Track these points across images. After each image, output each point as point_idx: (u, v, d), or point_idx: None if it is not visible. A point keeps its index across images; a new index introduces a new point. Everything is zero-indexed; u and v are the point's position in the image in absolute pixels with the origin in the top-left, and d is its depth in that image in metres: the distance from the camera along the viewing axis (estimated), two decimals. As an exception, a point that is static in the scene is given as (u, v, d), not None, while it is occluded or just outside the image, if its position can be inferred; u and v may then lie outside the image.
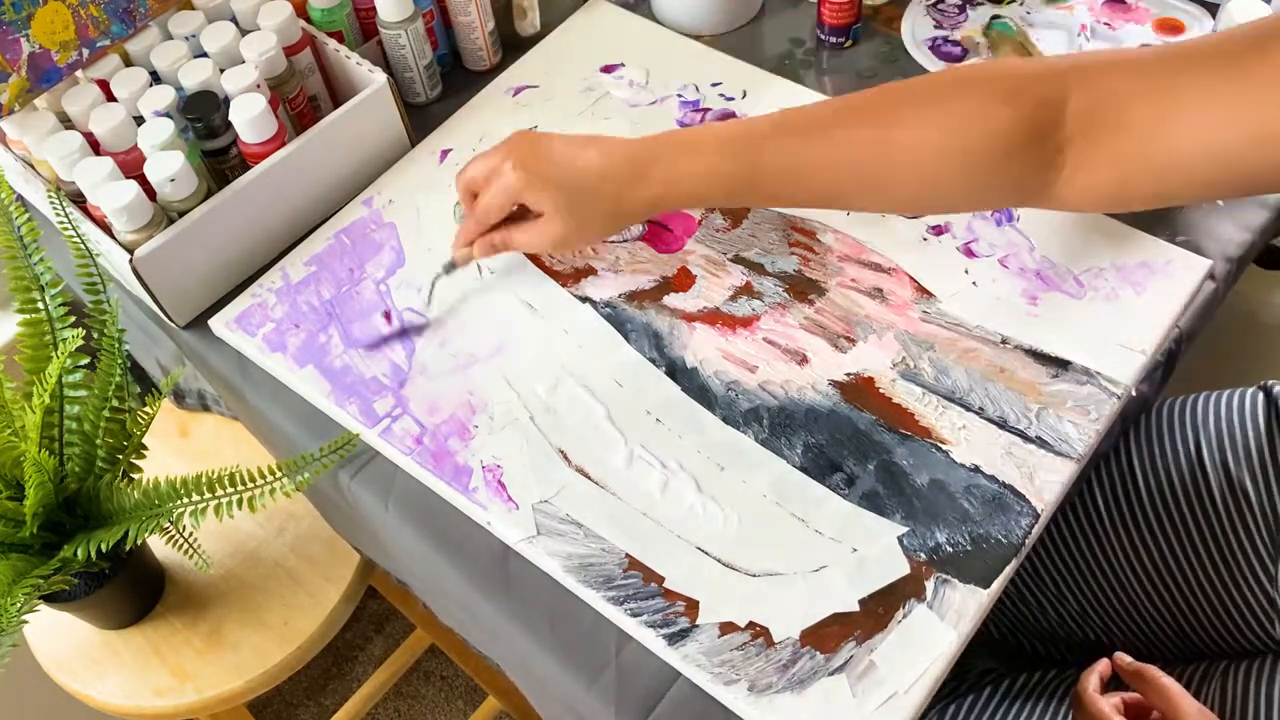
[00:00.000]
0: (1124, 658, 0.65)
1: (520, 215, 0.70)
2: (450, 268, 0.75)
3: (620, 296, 0.75)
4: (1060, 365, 0.68)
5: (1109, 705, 0.63)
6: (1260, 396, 0.73)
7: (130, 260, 0.73)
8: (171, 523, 0.69)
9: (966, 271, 0.73)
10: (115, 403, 0.72)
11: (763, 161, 0.63)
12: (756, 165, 0.63)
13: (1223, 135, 0.54)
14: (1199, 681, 0.70)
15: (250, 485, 0.66)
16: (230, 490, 0.66)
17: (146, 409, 0.74)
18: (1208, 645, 0.73)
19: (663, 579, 0.62)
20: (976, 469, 0.64)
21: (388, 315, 0.76)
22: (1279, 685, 0.66)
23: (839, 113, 0.63)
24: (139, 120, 0.77)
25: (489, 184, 0.68)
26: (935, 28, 0.89)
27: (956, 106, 0.59)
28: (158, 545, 0.86)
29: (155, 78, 0.81)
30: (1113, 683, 0.66)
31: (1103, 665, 0.65)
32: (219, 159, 0.78)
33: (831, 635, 0.59)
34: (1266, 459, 0.69)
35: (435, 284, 0.76)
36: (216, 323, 0.78)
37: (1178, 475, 0.72)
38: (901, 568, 0.61)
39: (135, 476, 0.74)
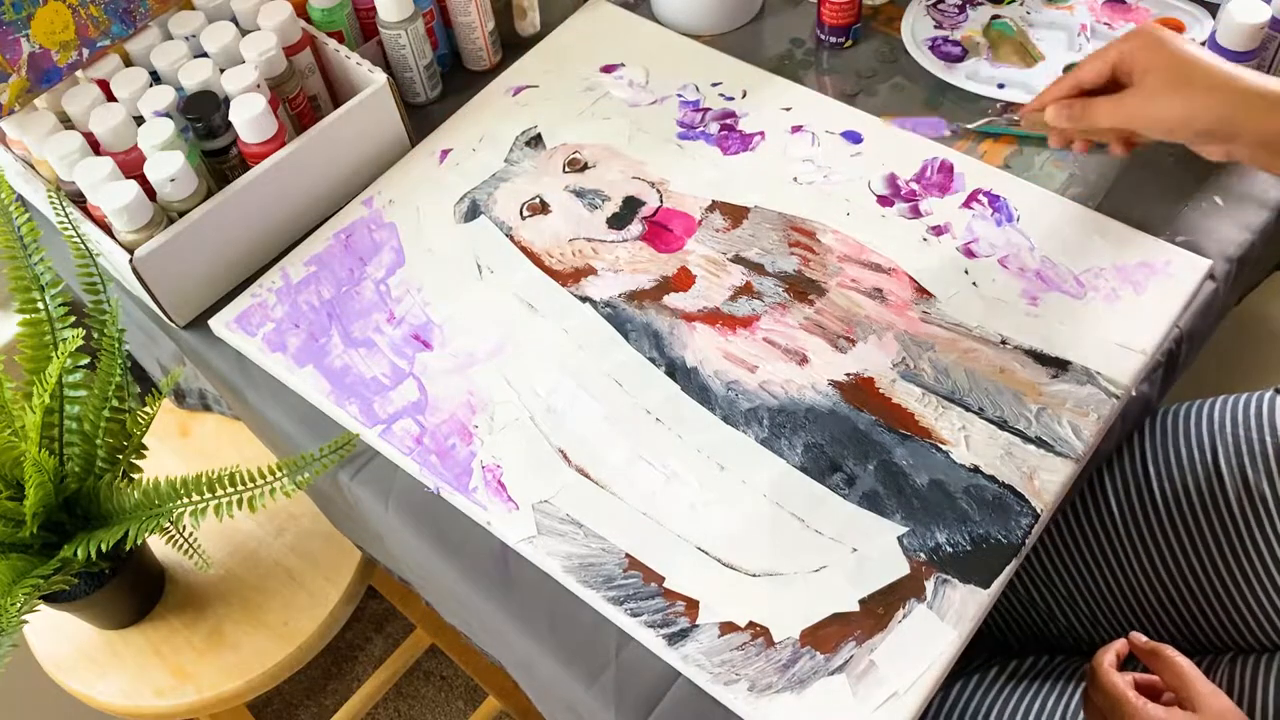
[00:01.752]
0: (1139, 637, 0.65)
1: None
2: (1013, 123, 0.72)
3: (620, 296, 0.75)
4: (1060, 365, 0.68)
5: (1124, 681, 0.63)
6: (1276, 400, 0.72)
7: (130, 260, 0.73)
8: (171, 523, 0.69)
9: (966, 272, 0.73)
10: (115, 403, 0.72)
11: None
12: None
13: None
14: (1206, 671, 0.70)
15: (250, 485, 0.66)
16: (230, 490, 0.66)
17: (146, 409, 0.74)
18: (1215, 641, 0.73)
19: (663, 579, 0.62)
20: (976, 469, 0.64)
21: (391, 317, 0.76)
22: None
23: None
24: (139, 120, 0.77)
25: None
26: (935, 28, 0.89)
27: None
28: (158, 545, 0.86)
29: (155, 78, 0.81)
30: (1128, 664, 0.66)
31: (1119, 644, 0.65)
32: (219, 159, 0.78)
33: (831, 635, 0.59)
34: None
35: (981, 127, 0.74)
36: (216, 323, 0.78)
37: (1192, 479, 0.72)
38: (901, 568, 0.61)
39: (135, 476, 0.75)
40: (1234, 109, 0.62)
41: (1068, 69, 0.70)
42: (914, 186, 0.78)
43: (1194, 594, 0.72)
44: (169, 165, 0.73)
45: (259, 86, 0.78)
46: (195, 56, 0.81)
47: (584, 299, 0.75)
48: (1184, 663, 0.62)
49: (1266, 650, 0.70)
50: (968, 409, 0.67)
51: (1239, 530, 0.70)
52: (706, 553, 0.63)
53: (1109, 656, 0.64)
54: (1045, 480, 0.63)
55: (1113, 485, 0.74)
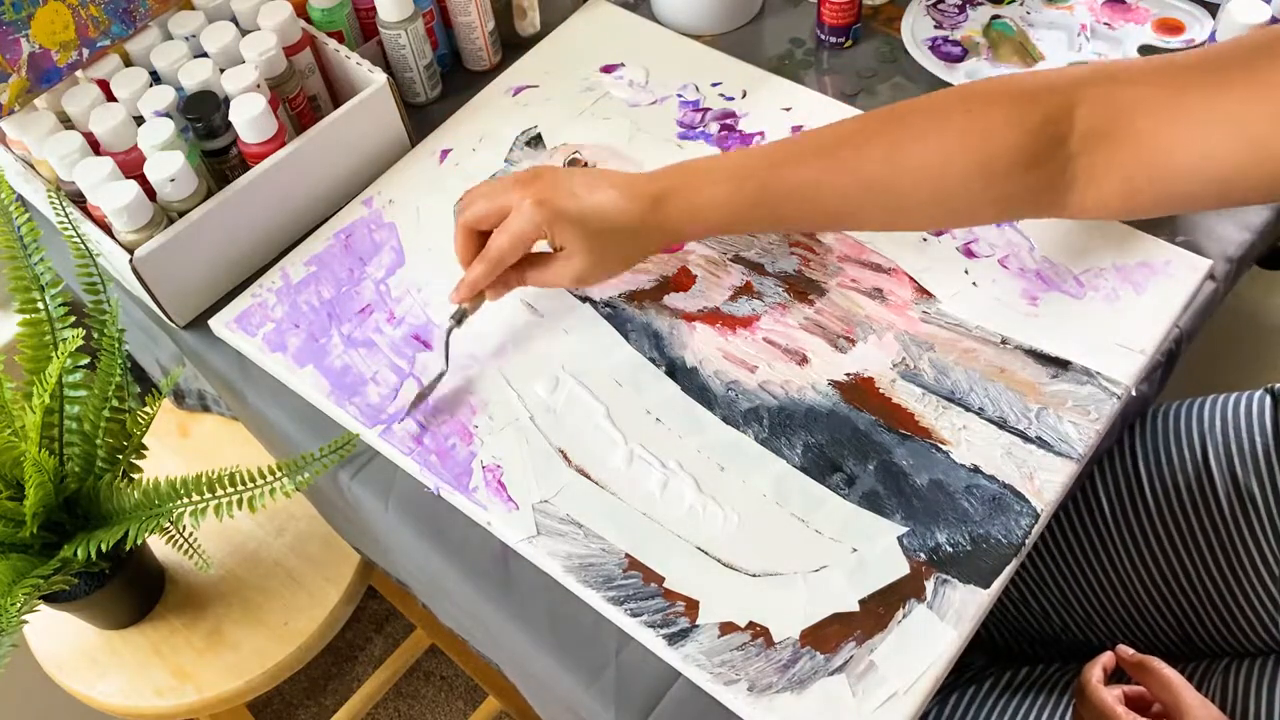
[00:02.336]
0: (1127, 650, 0.65)
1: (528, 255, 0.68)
2: (461, 317, 0.70)
3: (620, 296, 0.75)
4: (1060, 365, 0.68)
5: (1112, 696, 0.63)
6: (1266, 399, 0.73)
7: (130, 260, 0.73)
8: (171, 523, 0.69)
9: (966, 271, 0.73)
10: (115, 403, 0.72)
11: (775, 187, 0.63)
12: (769, 190, 0.63)
13: (1220, 148, 0.54)
14: (1200, 679, 0.70)
15: (250, 485, 0.66)
16: (230, 490, 0.66)
17: (146, 409, 0.74)
18: (1210, 645, 0.73)
19: (663, 579, 0.62)
20: (976, 469, 0.64)
21: (391, 317, 0.76)
22: None
23: (850, 133, 0.63)
24: (139, 120, 0.77)
25: (506, 223, 0.65)
26: (935, 28, 0.89)
27: (966, 122, 0.60)
28: (158, 545, 0.86)
29: (155, 78, 0.81)
30: (1116, 675, 0.66)
31: (1106, 657, 0.65)
32: (219, 159, 0.78)
33: (831, 635, 0.59)
34: (1273, 461, 0.69)
35: (449, 339, 0.70)
36: (216, 323, 0.78)
37: (1183, 478, 0.72)
38: (901, 568, 0.61)
39: (135, 476, 0.75)
40: (640, 250, 0.68)
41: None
42: (914, 186, 0.78)
43: (1185, 593, 0.72)
44: (169, 165, 0.73)
45: (259, 86, 0.78)
46: (195, 56, 0.81)
47: (584, 299, 0.75)
48: (1171, 674, 0.63)
49: (1260, 654, 0.70)
50: (968, 409, 0.67)
51: (1229, 530, 0.70)
52: (706, 553, 0.63)
53: (1096, 671, 0.64)
54: (1045, 480, 0.63)
55: (1104, 484, 0.75)
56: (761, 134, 0.83)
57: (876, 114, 0.64)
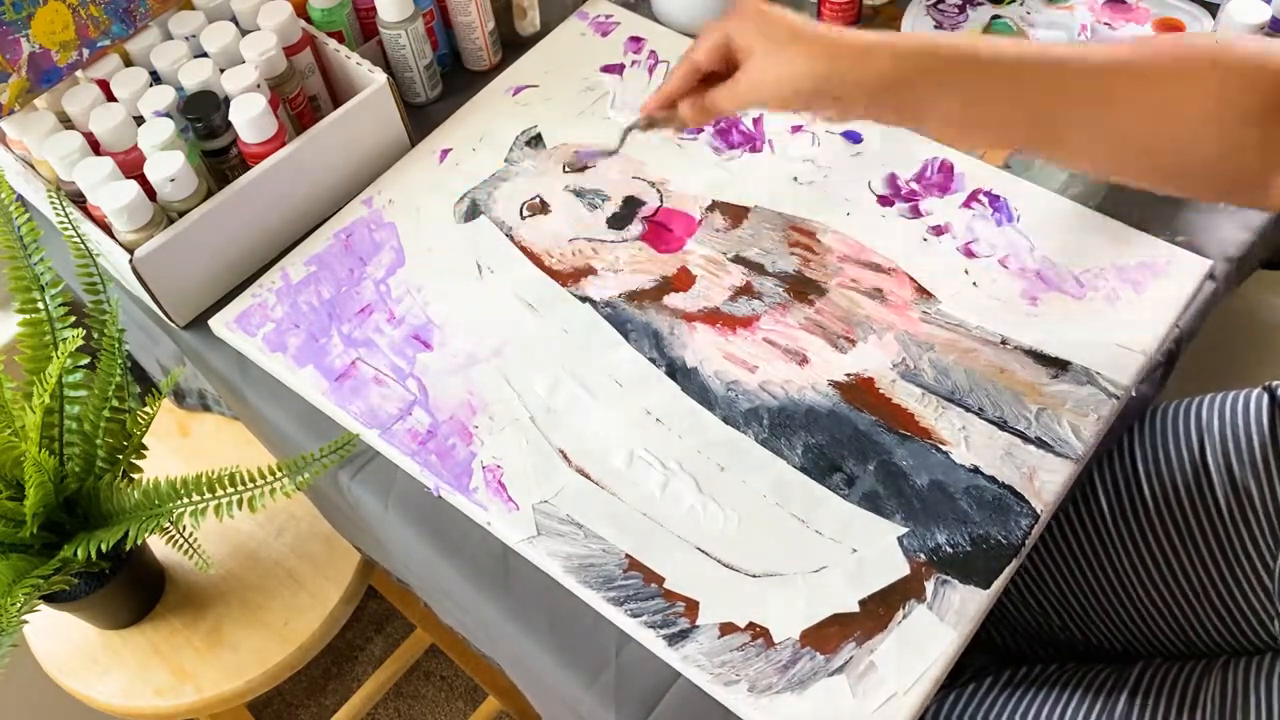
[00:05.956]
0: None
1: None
2: (649, 124, 0.68)
3: (620, 296, 0.75)
4: (1060, 366, 0.68)
5: None
6: (1264, 398, 0.73)
7: (130, 260, 0.73)
8: (171, 523, 0.69)
9: (966, 271, 0.73)
10: (115, 403, 0.72)
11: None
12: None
13: None
14: (1199, 677, 0.70)
15: (250, 485, 0.66)
16: (230, 490, 0.66)
17: (146, 409, 0.74)
18: (1208, 643, 0.73)
19: (663, 579, 0.62)
20: (976, 470, 0.64)
21: (391, 317, 0.76)
22: (1278, 680, 0.66)
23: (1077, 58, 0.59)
24: (139, 120, 0.77)
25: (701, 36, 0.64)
26: (935, 28, 0.89)
27: (1218, 58, 0.56)
28: (158, 545, 0.86)
29: (155, 78, 0.81)
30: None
31: None
32: (219, 159, 0.78)
33: (831, 636, 0.59)
34: (1270, 460, 0.69)
35: (629, 133, 0.69)
36: (216, 323, 0.78)
37: (1181, 477, 0.72)
38: (901, 568, 0.61)
39: (135, 476, 0.75)
40: (829, 62, 0.59)
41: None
42: (914, 186, 0.78)
43: (1184, 592, 0.72)
44: (169, 165, 0.73)
45: (259, 86, 0.78)
46: (195, 56, 0.81)
47: (584, 299, 0.75)
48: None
49: (1258, 651, 0.70)
50: (968, 409, 0.67)
51: (1227, 529, 0.70)
52: (706, 553, 0.63)
53: None
54: (1045, 480, 0.63)
55: (1103, 483, 0.75)
56: (762, 134, 0.83)
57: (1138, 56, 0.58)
